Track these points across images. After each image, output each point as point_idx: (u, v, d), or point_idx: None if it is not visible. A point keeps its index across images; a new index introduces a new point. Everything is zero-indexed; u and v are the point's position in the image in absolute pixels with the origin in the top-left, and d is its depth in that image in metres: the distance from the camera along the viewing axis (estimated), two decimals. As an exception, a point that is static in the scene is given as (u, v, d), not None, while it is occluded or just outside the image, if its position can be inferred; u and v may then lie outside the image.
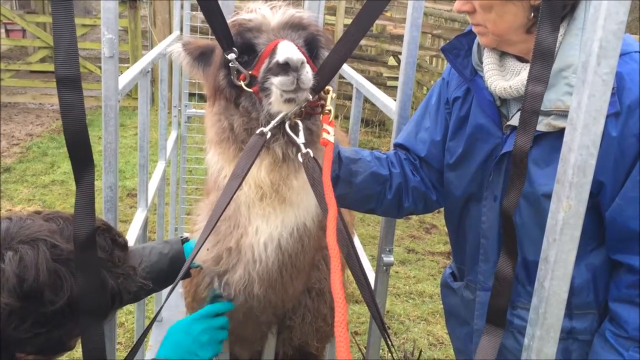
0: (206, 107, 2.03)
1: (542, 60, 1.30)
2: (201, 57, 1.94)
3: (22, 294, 1.40)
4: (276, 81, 1.66)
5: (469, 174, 2.05)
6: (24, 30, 13.12)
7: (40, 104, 11.66)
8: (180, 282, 2.39)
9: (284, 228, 1.86)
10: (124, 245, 1.68)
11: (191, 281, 2.28)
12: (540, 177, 1.81)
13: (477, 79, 1.98)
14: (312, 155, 1.68)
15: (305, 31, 1.84)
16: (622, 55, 1.71)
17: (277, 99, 1.69)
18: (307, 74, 1.66)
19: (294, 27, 1.82)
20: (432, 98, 2.23)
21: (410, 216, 7.43)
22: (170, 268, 2.08)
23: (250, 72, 1.75)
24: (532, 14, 1.75)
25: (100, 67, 2.18)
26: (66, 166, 8.23)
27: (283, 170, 1.82)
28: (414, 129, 2.27)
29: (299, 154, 1.69)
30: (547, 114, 1.76)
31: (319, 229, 2.01)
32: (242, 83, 1.74)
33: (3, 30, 14.06)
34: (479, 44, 1.99)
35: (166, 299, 1.75)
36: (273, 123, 1.70)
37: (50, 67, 12.22)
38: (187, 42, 1.95)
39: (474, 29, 1.91)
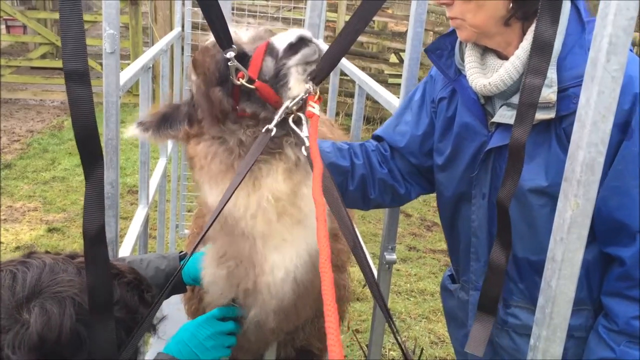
0: (192, 150, 1.87)
1: (540, 53, 1.29)
2: (163, 121, 1.88)
3: (40, 355, 1.35)
4: (296, 58, 1.68)
5: (458, 174, 2.06)
6: (24, 27, 13.10)
7: (40, 100, 11.65)
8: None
9: (299, 259, 1.83)
10: (150, 302, 1.61)
11: (193, 292, 2.26)
12: (525, 172, 1.79)
13: (461, 78, 1.99)
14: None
15: None
16: None
17: (297, 79, 1.68)
18: (323, 43, 1.66)
19: (262, 39, 1.82)
20: (416, 94, 2.25)
21: (411, 214, 7.42)
22: (165, 284, 2.05)
23: (247, 73, 1.72)
24: (511, 5, 1.76)
25: (101, 64, 2.15)
26: (67, 163, 8.23)
27: (296, 177, 1.80)
28: (394, 121, 2.29)
29: (303, 148, 1.68)
30: None
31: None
32: (242, 81, 1.71)
33: (4, 27, 14.04)
34: (461, 43, 1.99)
35: (158, 301, 1.73)
36: (277, 118, 1.67)
37: (51, 63, 12.23)
38: (140, 120, 1.89)
39: (452, 23, 1.91)
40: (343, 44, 1.62)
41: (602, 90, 1.09)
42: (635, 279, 1.74)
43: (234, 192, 1.60)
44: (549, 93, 1.72)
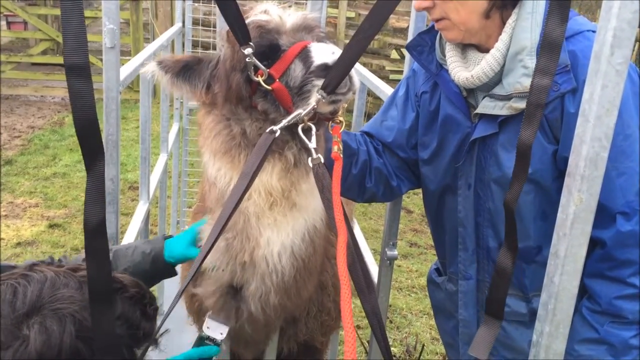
0: (201, 117, 1.93)
1: (549, 53, 1.28)
2: (184, 71, 1.86)
3: None
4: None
5: (443, 166, 2.10)
6: (25, 23, 13.07)
7: (41, 96, 11.63)
8: (178, 279, 2.35)
9: (295, 235, 1.84)
10: (152, 316, 1.59)
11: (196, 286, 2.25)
12: (509, 161, 1.83)
13: (442, 72, 2.03)
14: (322, 161, 1.65)
15: (312, 33, 1.82)
16: (574, 34, 1.79)
17: (318, 100, 1.64)
18: (356, 76, 1.66)
19: (306, 29, 1.81)
20: (399, 90, 2.29)
21: (412, 210, 7.41)
22: (152, 267, 2.03)
23: (268, 71, 1.69)
24: None
25: (101, 60, 2.14)
26: (68, 159, 8.22)
27: (293, 176, 1.80)
28: (380, 117, 2.32)
29: (309, 159, 1.66)
30: (508, 97, 1.83)
31: (328, 228, 1.99)
32: (260, 79, 1.68)
33: (4, 22, 14.01)
34: (440, 39, 2.04)
35: (172, 306, 1.71)
36: (284, 122, 1.65)
37: (51, 59, 12.21)
38: (162, 59, 1.87)
39: (437, 26, 1.95)
40: (355, 50, 1.59)
41: (605, 84, 1.08)
42: (616, 259, 1.77)
43: (242, 197, 1.57)
44: (530, 82, 1.75)
